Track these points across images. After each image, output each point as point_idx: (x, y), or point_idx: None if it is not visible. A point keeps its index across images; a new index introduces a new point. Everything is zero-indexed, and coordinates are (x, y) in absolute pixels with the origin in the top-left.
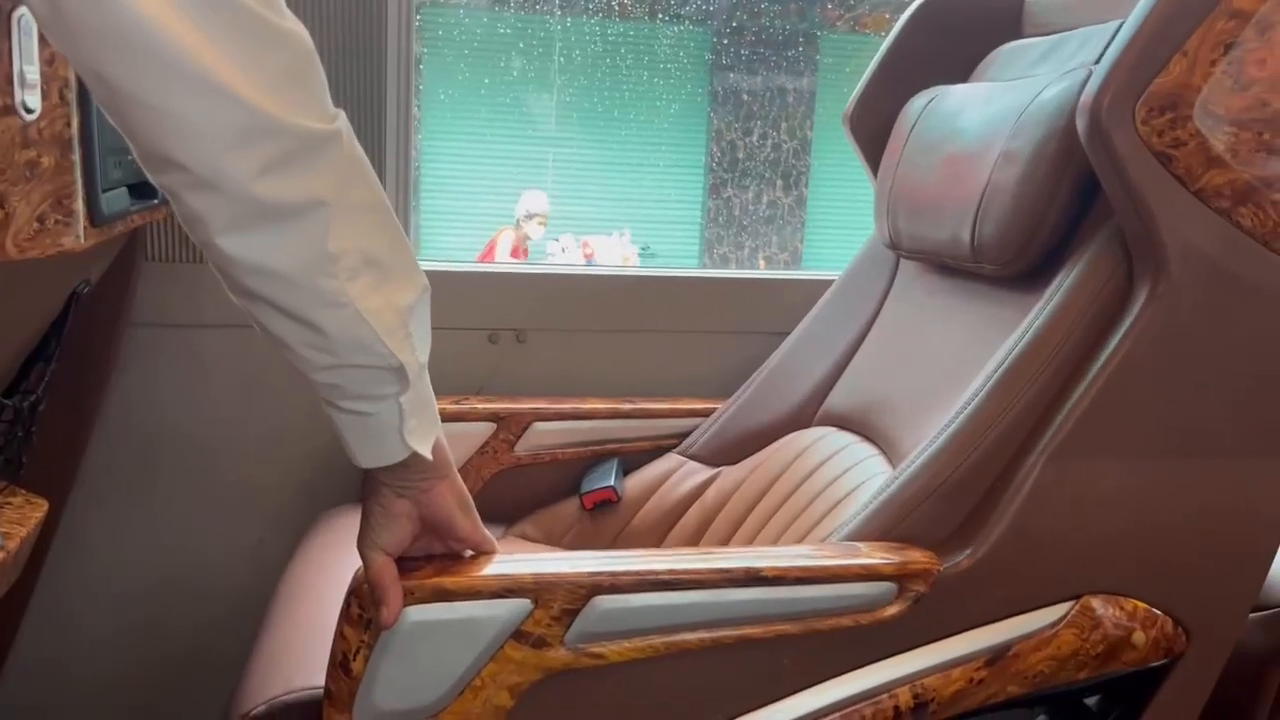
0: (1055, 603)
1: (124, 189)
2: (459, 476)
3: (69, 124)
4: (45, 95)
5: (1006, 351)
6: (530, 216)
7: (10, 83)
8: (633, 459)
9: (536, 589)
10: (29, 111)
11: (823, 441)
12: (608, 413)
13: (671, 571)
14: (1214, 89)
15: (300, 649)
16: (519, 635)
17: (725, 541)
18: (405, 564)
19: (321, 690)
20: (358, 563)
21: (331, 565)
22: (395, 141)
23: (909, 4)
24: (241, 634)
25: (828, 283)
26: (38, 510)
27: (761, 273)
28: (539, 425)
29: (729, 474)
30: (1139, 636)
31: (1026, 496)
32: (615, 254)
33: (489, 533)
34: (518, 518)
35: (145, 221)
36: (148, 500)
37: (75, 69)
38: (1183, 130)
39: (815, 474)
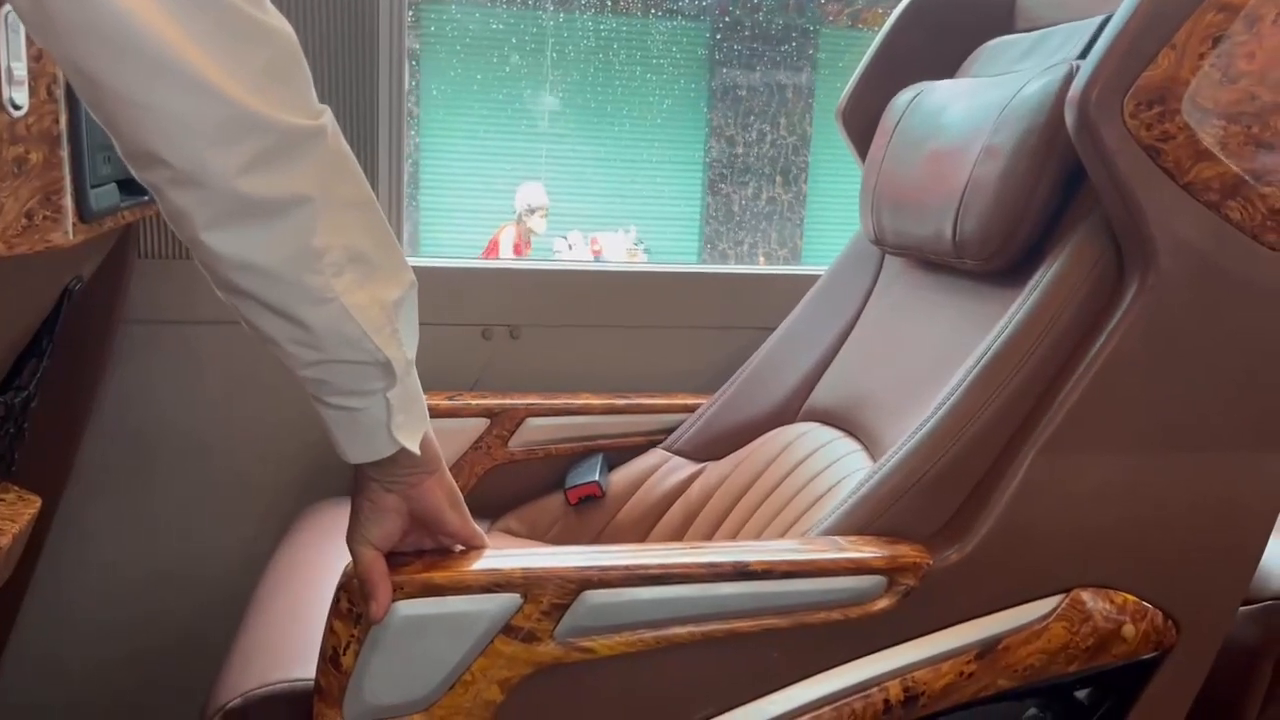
0: (1045, 596)
1: (113, 185)
2: (448, 471)
3: (57, 120)
4: (33, 92)
5: (986, 347)
6: (532, 211)
7: None
8: (618, 454)
9: (526, 584)
10: (16, 108)
11: (806, 437)
12: (601, 408)
13: (661, 566)
14: (1203, 82)
15: (277, 642)
16: (509, 630)
17: (709, 537)
18: (394, 559)
19: (297, 683)
20: (338, 557)
21: (312, 560)
22: (388, 137)
23: None
24: (235, 627)
25: (820, 278)
26: (30, 507)
27: (754, 268)
28: (532, 421)
29: (713, 469)
30: (1129, 629)
31: (1016, 490)
32: (622, 251)
33: (478, 527)
34: (510, 513)
35: (137, 218)
36: (142, 496)
37: (60, 65)
38: (1171, 123)
39: (798, 469)
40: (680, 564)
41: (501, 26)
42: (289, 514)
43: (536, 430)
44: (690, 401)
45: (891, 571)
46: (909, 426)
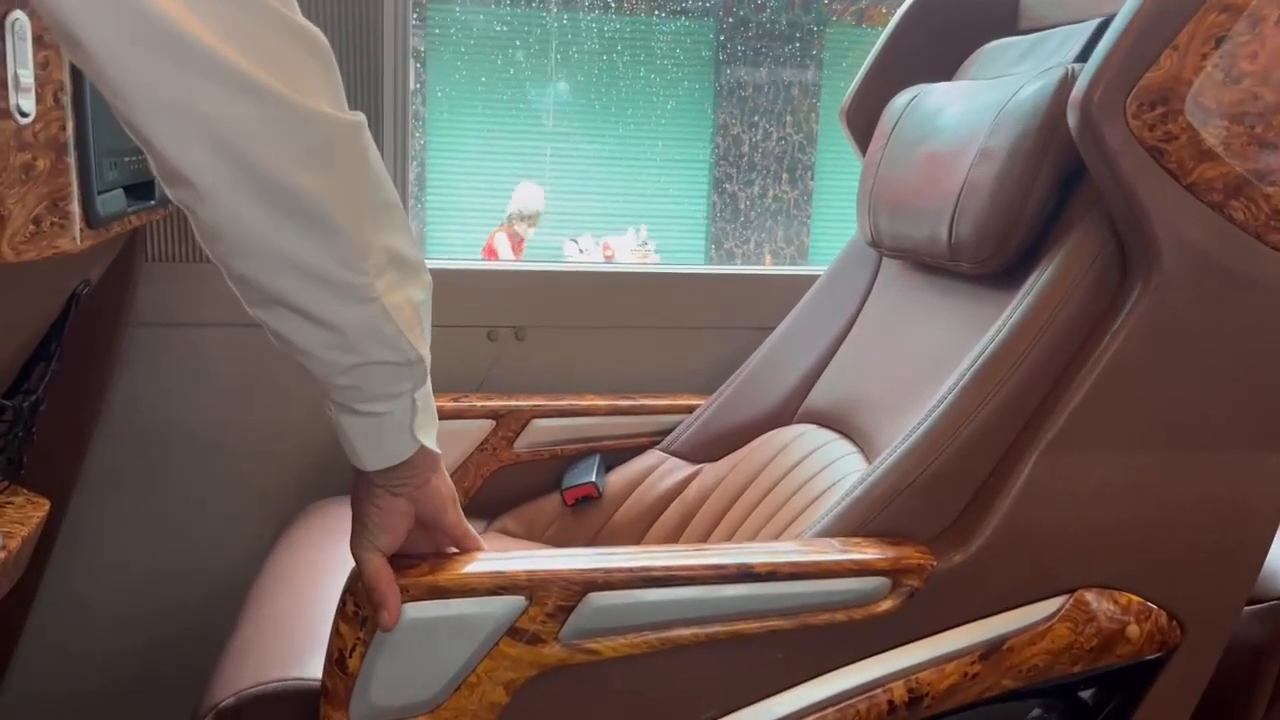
0: (1049, 596)
1: (120, 191)
2: (446, 471)
3: (64, 127)
4: (40, 99)
5: (981, 349)
6: (523, 217)
7: (4, 86)
8: (623, 455)
9: (531, 586)
10: (24, 115)
11: (802, 439)
12: (606, 409)
13: (665, 568)
14: (1205, 83)
15: (272, 641)
16: (514, 632)
17: (705, 538)
18: (398, 561)
19: (291, 682)
20: (334, 555)
21: (308, 559)
22: (393, 138)
23: None
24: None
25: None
26: (39, 510)
27: (762, 268)
28: (538, 422)
29: (710, 471)
30: (1133, 630)
31: (1020, 491)
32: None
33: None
34: (507, 513)
35: (144, 222)
36: (151, 497)
37: (91, 80)
38: (1174, 124)
39: (793, 471)
40: (685, 566)
41: (507, 27)
42: (296, 513)
43: (542, 431)
44: (695, 402)
45: (895, 573)
46: (905, 428)
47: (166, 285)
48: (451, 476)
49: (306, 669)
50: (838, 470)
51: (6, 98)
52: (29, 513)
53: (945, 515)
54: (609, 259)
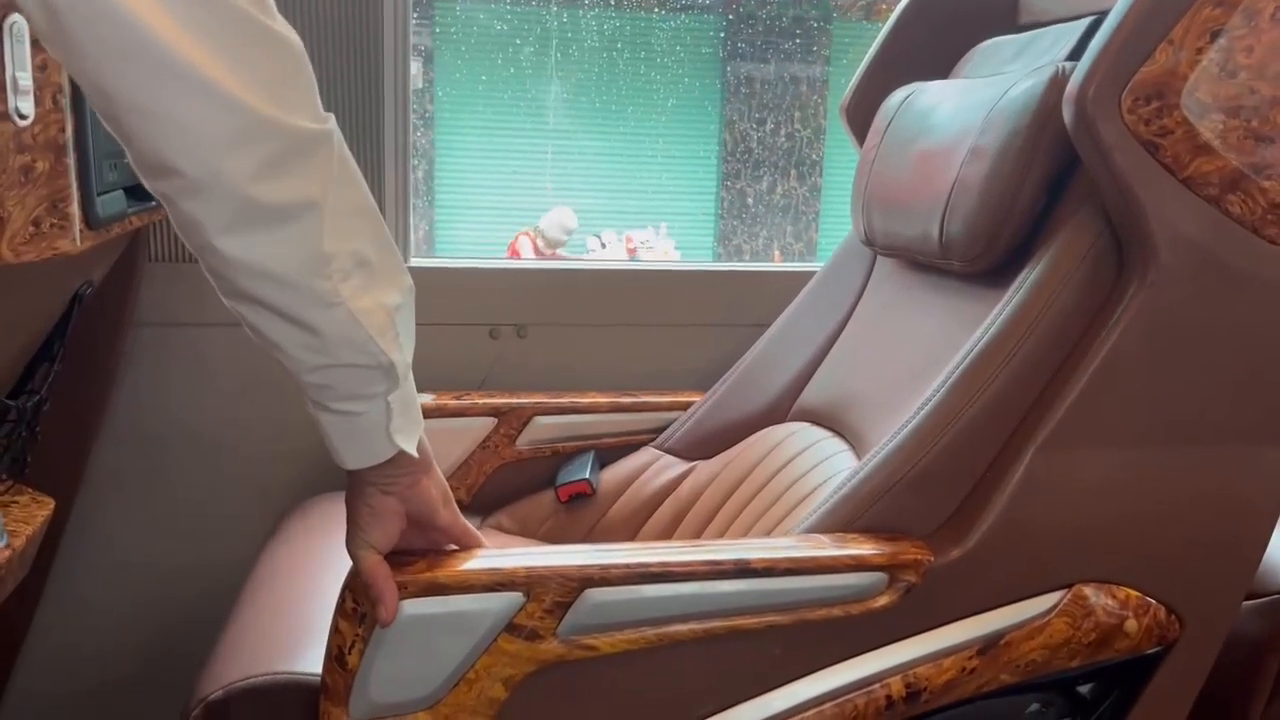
0: (1047, 591)
1: (120, 192)
2: (439, 470)
3: (63, 129)
4: (38, 101)
5: (970, 346)
6: (555, 244)
7: (3, 89)
8: (616, 452)
9: (528, 582)
10: (22, 117)
11: (794, 437)
12: (608, 406)
13: (662, 564)
14: (1201, 77)
15: (261, 636)
16: (512, 628)
17: (698, 535)
18: (396, 558)
19: (279, 676)
20: (327, 551)
21: (300, 555)
22: (393, 136)
23: None
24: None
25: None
26: (44, 509)
27: (766, 265)
28: (540, 419)
29: (703, 468)
30: (1131, 624)
31: (1017, 486)
32: (656, 249)
33: (469, 524)
34: (501, 510)
35: (145, 223)
36: (154, 496)
37: (73, 77)
38: (1170, 118)
39: (785, 469)
40: (682, 562)
41: (511, 25)
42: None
43: (544, 429)
44: (697, 399)
45: (893, 568)
46: (896, 426)
47: (169, 285)
48: (454, 474)
49: (295, 663)
50: (829, 468)
51: (5, 100)
52: (34, 511)
53: (939, 511)
54: (632, 253)
